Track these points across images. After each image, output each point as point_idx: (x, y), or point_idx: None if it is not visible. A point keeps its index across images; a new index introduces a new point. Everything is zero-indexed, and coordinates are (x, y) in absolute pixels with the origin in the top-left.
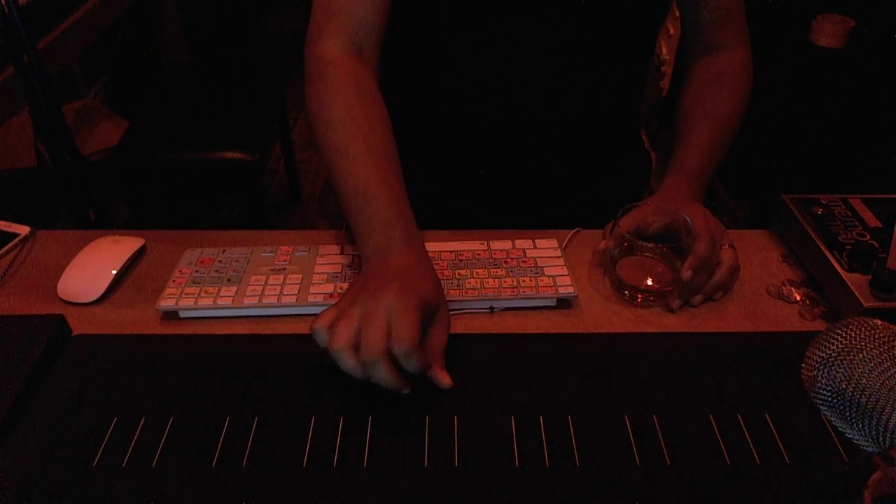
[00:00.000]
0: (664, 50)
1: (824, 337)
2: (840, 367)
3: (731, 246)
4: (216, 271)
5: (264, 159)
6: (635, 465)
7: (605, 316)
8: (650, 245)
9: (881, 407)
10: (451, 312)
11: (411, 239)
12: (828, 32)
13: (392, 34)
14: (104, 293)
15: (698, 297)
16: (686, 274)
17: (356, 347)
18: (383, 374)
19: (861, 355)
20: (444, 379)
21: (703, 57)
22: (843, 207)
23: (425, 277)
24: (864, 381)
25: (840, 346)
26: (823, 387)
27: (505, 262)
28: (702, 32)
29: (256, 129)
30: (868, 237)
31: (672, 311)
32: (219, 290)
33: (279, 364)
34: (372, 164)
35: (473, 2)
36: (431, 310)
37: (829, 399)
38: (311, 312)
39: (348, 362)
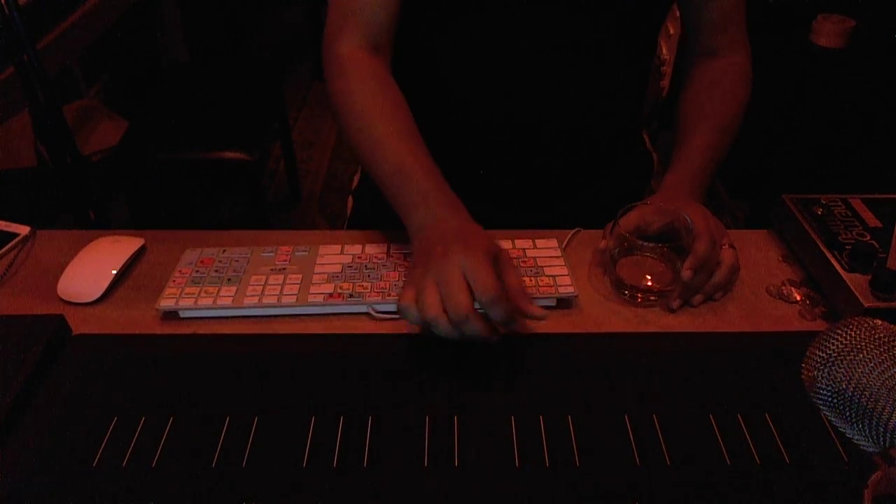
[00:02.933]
0: (664, 50)
1: (824, 337)
2: (840, 367)
3: (731, 246)
4: (216, 271)
5: (264, 159)
6: (635, 465)
7: (605, 316)
8: (650, 245)
9: (881, 407)
10: None
11: (455, 205)
12: (828, 32)
13: (396, 33)
14: (104, 293)
15: (698, 297)
16: (686, 274)
17: (446, 311)
18: (475, 329)
19: (861, 355)
20: (537, 311)
21: (703, 60)
22: (843, 207)
23: (479, 235)
24: (864, 381)
25: (840, 346)
26: (823, 387)
27: None
28: (702, 36)
29: (256, 129)
30: (868, 237)
31: (672, 311)
32: (219, 290)
33: (279, 364)
34: (403, 143)
35: (475, 1)
36: (496, 258)
37: (829, 399)
38: (311, 312)
39: (443, 327)
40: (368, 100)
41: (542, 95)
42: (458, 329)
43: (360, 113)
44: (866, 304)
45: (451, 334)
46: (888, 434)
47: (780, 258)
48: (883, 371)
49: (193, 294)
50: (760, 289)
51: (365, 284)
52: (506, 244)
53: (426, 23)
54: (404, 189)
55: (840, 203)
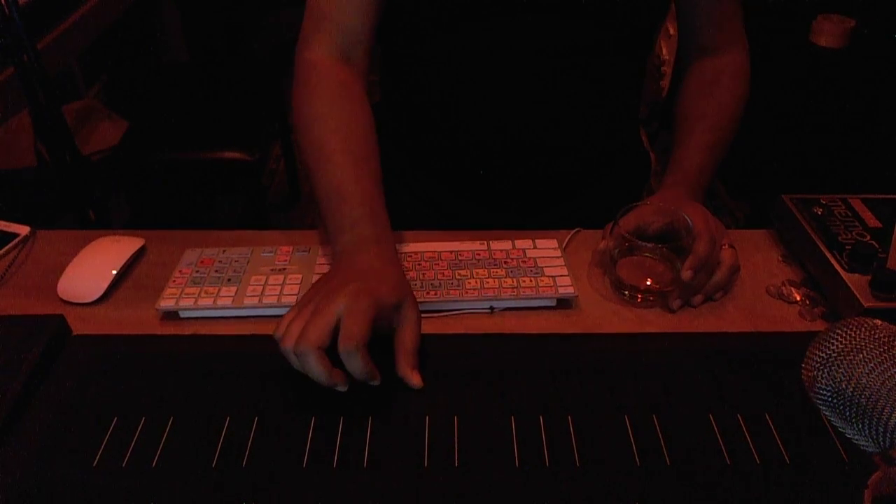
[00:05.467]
0: (664, 50)
1: (824, 337)
2: (840, 367)
3: (731, 246)
4: (216, 271)
5: (264, 159)
6: (635, 465)
7: (605, 316)
8: (650, 245)
9: (881, 407)
10: (451, 312)
11: (381, 239)
12: (828, 32)
13: (392, 37)
14: (104, 293)
15: (698, 297)
16: (686, 274)
17: None
18: (313, 368)
19: (861, 355)
20: (414, 378)
21: (700, 59)
22: (843, 207)
23: (387, 277)
24: (864, 381)
25: (840, 346)
26: (823, 387)
27: (505, 262)
28: (698, 35)
29: (256, 129)
30: (868, 237)
31: (672, 311)
32: (219, 291)
33: (279, 364)
34: (349, 163)
35: (471, 3)
36: (391, 309)
37: (829, 399)
38: None
39: (292, 360)
40: (325, 110)
41: (539, 97)
42: (300, 362)
43: (313, 123)
44: (866, 304)
45: (300, 369)
46: (888, 434)
47: (780, 258)
48: (883, 371)
49: (193, 294)
50: (760, 289)
51: None
52: (506, 244)
53: (421, 26)
54: (337, 212)
55: (840, 203)
